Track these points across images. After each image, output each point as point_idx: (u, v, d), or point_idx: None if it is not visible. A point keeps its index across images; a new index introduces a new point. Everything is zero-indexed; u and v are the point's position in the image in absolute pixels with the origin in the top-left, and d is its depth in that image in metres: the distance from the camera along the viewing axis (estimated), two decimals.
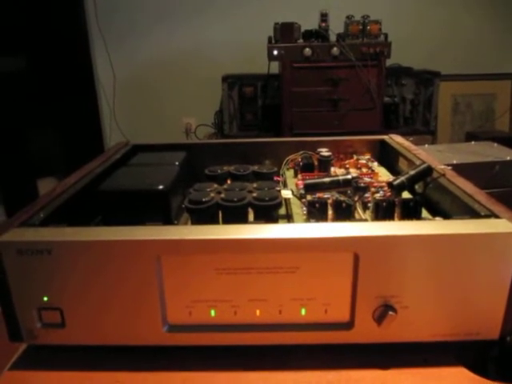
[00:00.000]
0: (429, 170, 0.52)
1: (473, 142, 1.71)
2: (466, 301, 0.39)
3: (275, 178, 0.60)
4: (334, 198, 0.50)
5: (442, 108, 2.22)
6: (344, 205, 0.49)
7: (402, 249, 0.38)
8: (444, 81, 2.16)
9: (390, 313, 0.39)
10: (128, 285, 0.39)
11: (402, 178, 0.51)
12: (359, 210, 0.52)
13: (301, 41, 1.91)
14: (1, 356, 0.43)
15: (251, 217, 0.49)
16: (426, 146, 1.77)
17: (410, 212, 0.49)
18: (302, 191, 0.54)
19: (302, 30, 1.91)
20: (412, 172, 0.52)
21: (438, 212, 0.50)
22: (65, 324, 0.40)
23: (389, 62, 1.96)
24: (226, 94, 2.14)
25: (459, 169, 0.54)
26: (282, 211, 0.53)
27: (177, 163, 0.57)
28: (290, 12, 2.13)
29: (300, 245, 0.38)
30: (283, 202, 0.52)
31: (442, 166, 0.55)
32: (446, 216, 0.48)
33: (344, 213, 0.49)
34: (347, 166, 0.67)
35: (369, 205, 0.52)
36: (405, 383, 0.39)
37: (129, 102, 2.45)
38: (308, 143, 0.69)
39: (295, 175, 0.65)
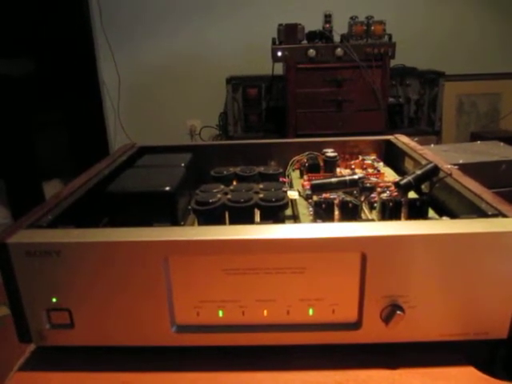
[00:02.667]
0: (435, 170, 0.52)
1: (478, 142, 1.70)
2: (474, 300, 0.39)
3: (281, 179, 0.60)
4: (341, 198, 0.50)
5: (446, 108, 2.21)
6: (350, 205, 0.49)
7: (409, 248, 0.38)
8: (449, 81, 2.15)
9: (398, 312, 0.39)
10: (136, 286, 0.39)
11: (409, 178, 0.51)
12: (365, 210, 0.52)
13: (305, 42, 1.92)
14: (10, 357, 0.43)
15: (258, 218, 0.49)
16: (432, 145, 1.76)
17: (417, 212, 0.49)
18: (308, 192, 0.54)
19: (306, 31, 1.91)
20: (419, 172, 0.52)
21: (444, 212, 0.50)
22: (73, 325, 0.41)
23: (393, 63, 1.96)
24: (230, 96, 2.14)
25: (465, 168, 0.54)
26: (289, 212, 0.53)
27: (183, 165, 0.58)
28: (293, 13, 2.13)
29: (307, 245, 0.38)
30: (289, 202, 0.52)
31: (449, 166, 0.54)
32: (453, 215, 0.47)
33: (350, 213, 0.49)
34: (353, 166, 0.67)
35: (375, 205, 0.52)
36: (413, 383, 0.39)
37: (133, 104, 2.45)
38: (313, 144, 0.69)
39: (301, 176, 0.65)
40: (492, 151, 1.52)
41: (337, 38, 1.92)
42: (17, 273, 0.39)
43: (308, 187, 0.55)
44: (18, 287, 0.39)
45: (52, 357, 0.43)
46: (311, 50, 1.85)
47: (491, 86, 2.40)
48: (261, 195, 0.49)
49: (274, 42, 1.91)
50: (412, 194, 0.53)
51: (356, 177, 0.52)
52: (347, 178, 0.52)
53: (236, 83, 2.15)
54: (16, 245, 0.38)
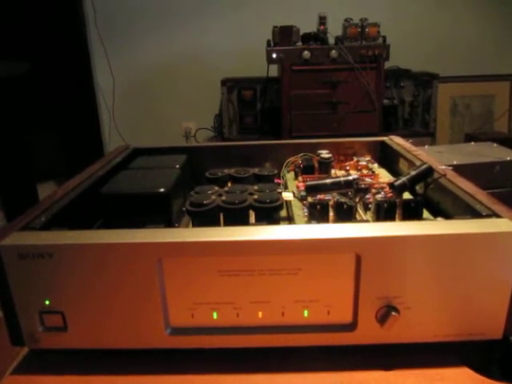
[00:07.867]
0: (430, 171, 0.53)
1: (472, 143, 1.71)
2: (469, 301, 0.39)
3: (276, 181, 0.60)
4: (335, 199, 0.50)
5: (440, 110, 2.22)
6: (345, 206, 0.49)
7: (404, 249, 0.38)
8: (443, 82, 2.16)
9: (393, 313, 0.39)
10: (130, 288, 0.39)
11: (404, 179, 0.51)
12: (360, 211, 0.52)
13: (300, 44, 1.92)
14: (3, 360, 0.43)
15: (252, 219, 0.49)
16: (426, 147, 1.77)
17: (412, 212, 0.49)
18: (303, 193, 0.54)
19: (301, 32, 1.92)
20: (413, 173, 0.52)
21: (439, 212, 0.50)
22: (67, 328, 0.40)
23: (387, 65, 1.97)
24: (225, 98, 2.14)
25: (460, 169, 0.54)
26: (283, 213, 0.53)
27: (177, 166, 0.58)
28: (288, 15, 2.13)
29: (302, 246, 0.38)
30: (284, 203, 0.52)
31: (443, 167, 0.55)
32: (448, 216, 0.47)
33: (345, 214, 0.49)
34: (347, 167, 0.67)
35: (370, 206, 0.52)
36: None
37: (128, 106, 2.45)
38: (308, 145, 0.69)
39: (296, 177, 0.65)
40: (486, 152, 1.53)
41: (331, 40, 1.92)
42: (9, 275, 0.38)
43: (303, 188, 0.55)
44: (11, 290, 0.39)
45: (45, 360, 0.43)
46: (306, 52, 1.86)
47: (485, 88, 2.41)
48: (255, 196, 0.48)
49: (268, 44, 1.92)
50: (407, 195, 0.53)
51: (351, 178, 0.52)
52: (342, 179, 0.52)
53: (231, 85, 2.15)
54: (8, 247, 0.38)
